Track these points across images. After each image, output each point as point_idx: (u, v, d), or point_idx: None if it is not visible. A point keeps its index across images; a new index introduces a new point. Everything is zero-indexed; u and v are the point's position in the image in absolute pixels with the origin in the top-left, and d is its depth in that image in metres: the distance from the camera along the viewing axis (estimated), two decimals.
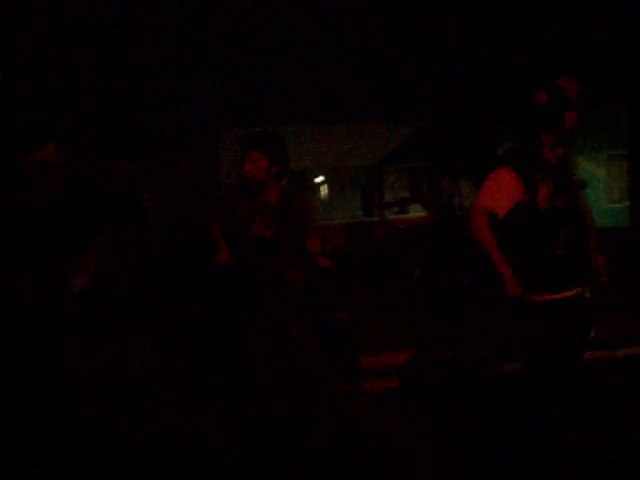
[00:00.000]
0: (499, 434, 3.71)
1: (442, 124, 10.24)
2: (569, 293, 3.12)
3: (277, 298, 3.42)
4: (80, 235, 3.40)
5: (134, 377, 4.18)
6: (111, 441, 3.53)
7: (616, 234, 9.16)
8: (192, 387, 4.30)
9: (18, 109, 8.22)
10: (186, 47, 9.85)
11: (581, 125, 9.37)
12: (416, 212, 10.47)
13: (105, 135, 9.03)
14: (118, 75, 9.60)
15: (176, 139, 9.82)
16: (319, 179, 12.18)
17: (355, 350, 4.69)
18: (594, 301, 3.27)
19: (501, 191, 3.11)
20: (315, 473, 3.36)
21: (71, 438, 3.38)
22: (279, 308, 3.41)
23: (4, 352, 3.18)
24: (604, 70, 8.63)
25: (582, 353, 3.34)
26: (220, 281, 3.80)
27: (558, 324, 3.13)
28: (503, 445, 3.55)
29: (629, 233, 8.84)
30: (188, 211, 8.49)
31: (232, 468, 3.43)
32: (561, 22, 8.77)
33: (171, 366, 4.44)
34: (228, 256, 3.41)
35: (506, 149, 3.39)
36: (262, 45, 9.92)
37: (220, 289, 3.81)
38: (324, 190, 12.35)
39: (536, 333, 3.18)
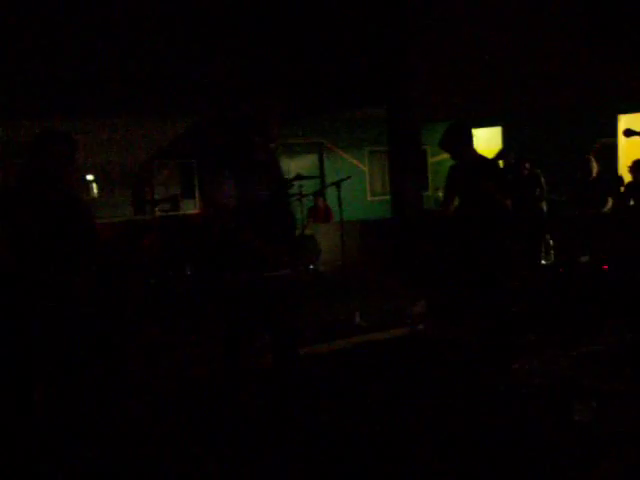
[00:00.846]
0: None
1: (217, 120, 10.21)
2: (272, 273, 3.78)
3: None
4: None
5: None
6: None
7: (379, 225, 9.76)
8: None
9: None
10: None
11: (346, 123, 9.78)
12: (188, 208, 10.41)
13: None
14: None
15: None
16: (89, 177, 11.66)
17: None
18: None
19: (220, 185, 3.78)
20: None
21: None
22: None
23: None
24: (366, 71, 9.12)
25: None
26: None
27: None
28: None
29: (390, 224, 9.40)
30: None
31: None
32: (320, 24, 9.11)
33: None
34: None
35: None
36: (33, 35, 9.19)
37: None
38: (94, 188, 11.85)
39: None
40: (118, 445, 3.89)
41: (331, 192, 8.74)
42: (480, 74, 9.31)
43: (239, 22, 9.35)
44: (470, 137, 5.22)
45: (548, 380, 4.73)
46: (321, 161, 11.83)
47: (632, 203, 7.87)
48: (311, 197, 9.14)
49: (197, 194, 10.42)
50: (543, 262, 6.31)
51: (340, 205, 7.13)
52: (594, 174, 7.86)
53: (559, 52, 8.51)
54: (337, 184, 7.04)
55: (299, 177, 6.94)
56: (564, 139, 10.30)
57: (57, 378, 3.80)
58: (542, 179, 8.33)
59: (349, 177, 7.38)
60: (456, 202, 5.30)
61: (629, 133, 4.02)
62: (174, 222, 8.35)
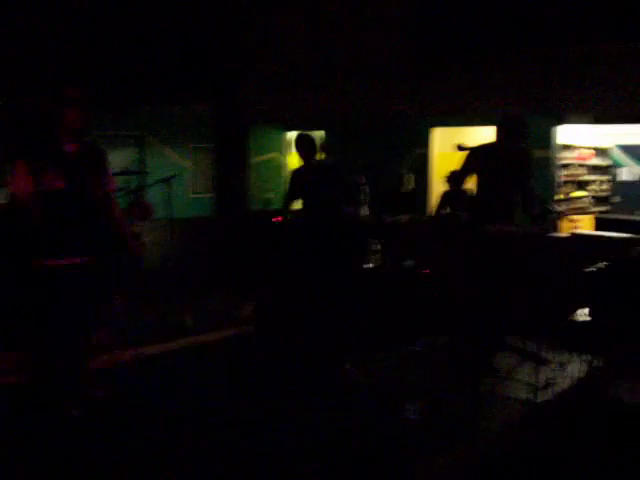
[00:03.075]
0: None
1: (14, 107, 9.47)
2: (71, 261, 3.96)
3: None
4: None
5: None
6: None
7: (201, 222, 9.60)
8: None
9: None
10: None
11: (170, 118, 9.56)
12: None
13: None
14: None
15: None
16: None
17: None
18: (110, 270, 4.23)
19: (19, 178, 3.89)
20: None
21: None
22: None
23: None
24: (193, 68, 8.94)
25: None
26: None
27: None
28: None
29: (213, 222, 9.31)
30: None
31: None
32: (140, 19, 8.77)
33: None
34: None
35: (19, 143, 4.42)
36: None
37: None
38: None
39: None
40: None
41: (152, 188, 8.41)
42: (303, 79, 9.51)
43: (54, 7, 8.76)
44: (315, 145, 5.40)
45: (377, 380, 4.92)
46: (142, 155, 11.42)
47: (447, 210, 8.41)
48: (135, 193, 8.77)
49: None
50: (369, 265, 6.55)
51: (170, 202, 6.92)
52: (408, 187, 8.44)
53: (384, 66, 8.90)
54: (166, 180, 6.83)
55: (126, 172, 6.65)
56: (382, 146, 10.80)
57: None
58: (365, 185, 8.66)
59: (177, 174, 7.18)
60: (294, 205, 5.39)
61: (461, 149, 4.28)
62: None
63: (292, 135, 13.12)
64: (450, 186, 8.44)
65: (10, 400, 4.37)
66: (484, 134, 9.95)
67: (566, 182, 10.44)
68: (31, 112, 4.31)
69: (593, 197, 11.19)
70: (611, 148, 10.84)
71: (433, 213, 8.80)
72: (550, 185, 9.24)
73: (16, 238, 4.25)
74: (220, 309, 6.66)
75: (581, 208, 10.48)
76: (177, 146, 11.67)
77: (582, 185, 10.97)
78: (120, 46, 8.94)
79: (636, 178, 10.51)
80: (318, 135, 12.41)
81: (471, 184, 5.66)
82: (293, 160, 13.08)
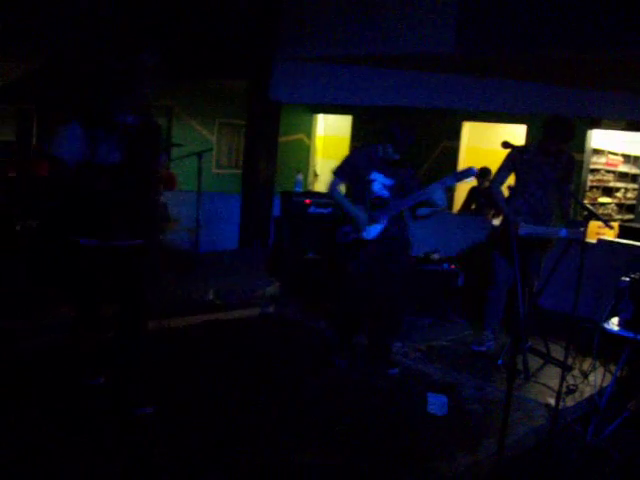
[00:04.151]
0: None
1: (57, 64, 9.46)
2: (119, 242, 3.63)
3: None
4: None
5: None
6: None
7: (228, 198, 9.49)
8: None
9: None
10: None
11: (200, 91, 9.45)
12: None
13: None
14: None
15: None
16: None
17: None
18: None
19: (67, 141, 3.46)
20: None
21: None
22: None
23: None
24: (227, 43, 8.85)
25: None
26: None
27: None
28: None
29: (240, 198, 9.21)
30: None
31: None
32: None
33: None
34: None
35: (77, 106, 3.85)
36: None
37: None
38: None
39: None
40: None
41: (175, 161, 8.30)
42: (338, 62, 9.42)
43: None
44: None
45: (402, 373, 4.91)
46: (169, 127, 11.38)
47: (473, 207, 8.39)
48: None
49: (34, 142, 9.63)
50: None
51: (200, 175, 6.89)
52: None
53: (422, 56, 8.80)
54: (199, 155, 6.79)
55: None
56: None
57: None
58: None
59: (211, 149, 7.13)
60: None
61: (506, 145, 4.20)
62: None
63: (320, 117, 13.07)
64: (478, 182, 8.40)
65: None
66: (515, 132, 9.92)
67: (592, 187, 10.38)
68: (96, 75, 3.90)
69: (618, 204, 11.13)
70: None
71: (460, 208, 8.77)
72: (581, 189, 9.18)
73: (55, 211, 4.00)
74: (246, 287, 6.67)
75: (605, 215, 10.42)
76: (204, 120, 11.61)
77: (608, 191, 10.91)
78: (165, 15, 8.83)
79: None
80: (345, 119, 12.38)
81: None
82: (319, 143, 13.05)
